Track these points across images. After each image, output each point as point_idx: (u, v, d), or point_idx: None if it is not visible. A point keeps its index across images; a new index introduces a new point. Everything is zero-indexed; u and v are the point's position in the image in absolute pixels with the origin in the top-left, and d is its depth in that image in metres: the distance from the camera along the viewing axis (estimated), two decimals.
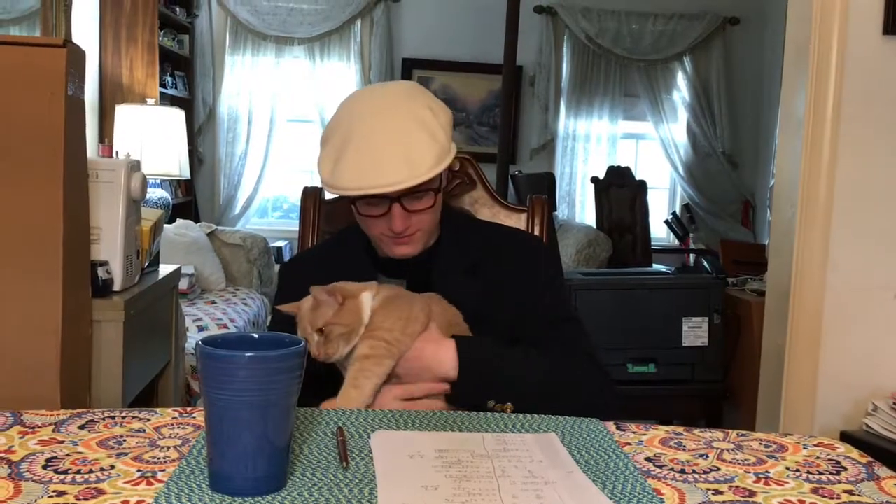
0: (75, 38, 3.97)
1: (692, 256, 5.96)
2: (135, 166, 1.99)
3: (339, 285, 1.32)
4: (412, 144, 1.33)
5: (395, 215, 1.36)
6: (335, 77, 6.11)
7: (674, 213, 6.30)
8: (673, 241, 6.39)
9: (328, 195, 1.74)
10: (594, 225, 5.69)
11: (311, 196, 1.76)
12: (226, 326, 3.78)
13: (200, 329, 3.66)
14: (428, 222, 1.42)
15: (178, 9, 5.47)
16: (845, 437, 2.25)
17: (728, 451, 1.11)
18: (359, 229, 1.47)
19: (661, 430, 1.19)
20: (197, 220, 5.23)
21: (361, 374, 1.28)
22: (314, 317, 1.29)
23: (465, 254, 1.49)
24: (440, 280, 1.45)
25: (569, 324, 1.50)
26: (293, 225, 6.35)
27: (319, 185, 1.74)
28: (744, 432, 1.19)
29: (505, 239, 1.55)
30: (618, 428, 1.18)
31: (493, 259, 1.49)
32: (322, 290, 1.29)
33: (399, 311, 1.33)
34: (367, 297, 1.33)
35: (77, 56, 1.69)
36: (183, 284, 3.82)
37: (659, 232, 6.28)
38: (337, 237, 1.63)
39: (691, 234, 6.18)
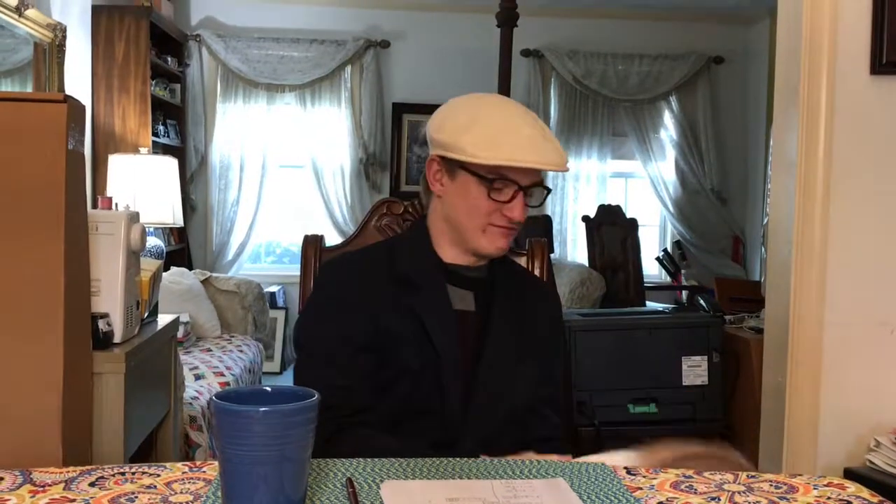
0: (68, 90, 3.99)
1: (685, 293, 5.97)
2: (134, 218, 1.99)
3: None
4: (555, 142, 1.44)
5: (518, 202, 1.44)
6: (326, 123, 6.15)
7: (665, 250, 6.33)
8: (665, 278, 6.41)
9: (328, 242, 1.75)
10: (586, 263, 5.71)
11: (311, 244, 1.77)
12: (222, 374, 3.76)
13: (197, 377, 3.64)
14: (523, 221, 1.49)
15: (169, 58, 5.52)
16: (849, 474, 2.24)
17: (739, 493, 1.11)
18: (421, 236, 1.54)
19: (672, 474, 1.18)
20: (190, 268, 5.22)
21: None
22: None
23: (513, 278, 1.60)
24: (501, 299, 1.54)
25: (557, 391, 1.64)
26: (286, 269, 6.34)
27: (318, 233, 1.77)
28: (753, 473, 1.20)
29: (538, 281, 1.73)
30: (628, 472, 1.18)
31: (533, 287, 1.64)
32: None
33: None
34: None
35: (77, 111, 1.70)
36: (178, 333, 3.81)
37: (651, 269, 6.30)
38: (392, 240, 1.64)
39: (683, 271, 6.20)
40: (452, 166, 1.46)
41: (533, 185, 1.45)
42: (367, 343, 1.45)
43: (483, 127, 1.43)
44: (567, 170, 1.45)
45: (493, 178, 1.42)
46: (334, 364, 1.44)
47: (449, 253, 1.52)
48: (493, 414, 1.48)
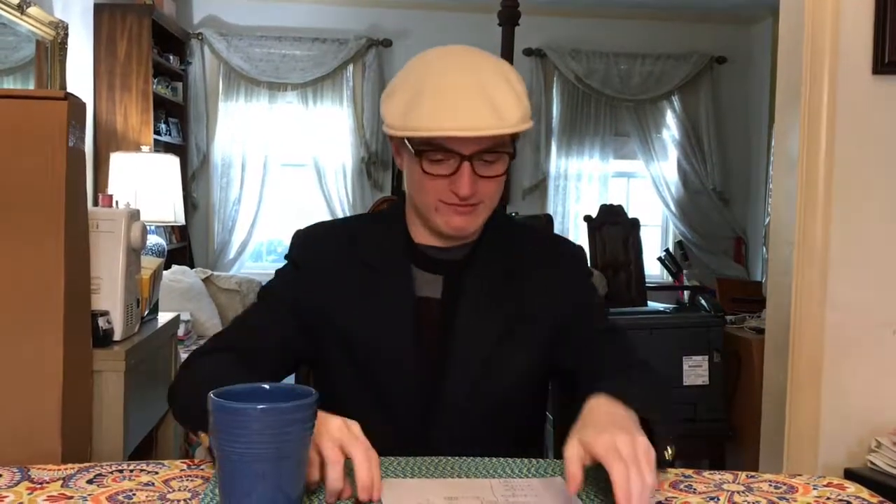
0: (70, 87, 3.99)
1: (686, 293, 5.96)
2: (135, 216, 1.99)
3: None
4: (498, 96, 1.21)
5: (463, 175, 1.22)
6: (328, 121, 6.15)
7: (667, 250, 6.32)
8: (666, 278, 6.40)
9: None
10: (588, 263, 5.70)
11: None
12: None
13: None
14: (492, 194, 1.28)
15: (171, 57, 5.52)
16: (849, 475, 2.23)
17: (738, 493, 1.10)
18: (398, 214, 1.39)
19: (671, 473, 1.18)
20: (191, 266, 5.22)
21: None
22: None
23: (506, 256, 1.38)
24: (474, 284, 1.34)
25: (617, 334, 1.40)
26: None
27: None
28: (753, 473, 1.19)
29: (548, 243, 1.48)
30: None
31: (536, 262, 1.39)
32: None
33: None
34: None
35: (78, 108, 1.70)
36: (179, 331, 3.81)
37: (652, 269, 6.30)
38: (373, 215, 1.55)
39: (684, 271, 6.19)
40: (399, 141, 1.30)
41: (480, 152, 1.22)
42: (303, 320, 1.35)
43: (402, 91, 1.25)
44: (510, 132, 1.22)
45: (424, 149, 1.23)
46: (257, 312, 1.38)
47: (420, 233, 1.36)
48: (469, 411, 1.31)
